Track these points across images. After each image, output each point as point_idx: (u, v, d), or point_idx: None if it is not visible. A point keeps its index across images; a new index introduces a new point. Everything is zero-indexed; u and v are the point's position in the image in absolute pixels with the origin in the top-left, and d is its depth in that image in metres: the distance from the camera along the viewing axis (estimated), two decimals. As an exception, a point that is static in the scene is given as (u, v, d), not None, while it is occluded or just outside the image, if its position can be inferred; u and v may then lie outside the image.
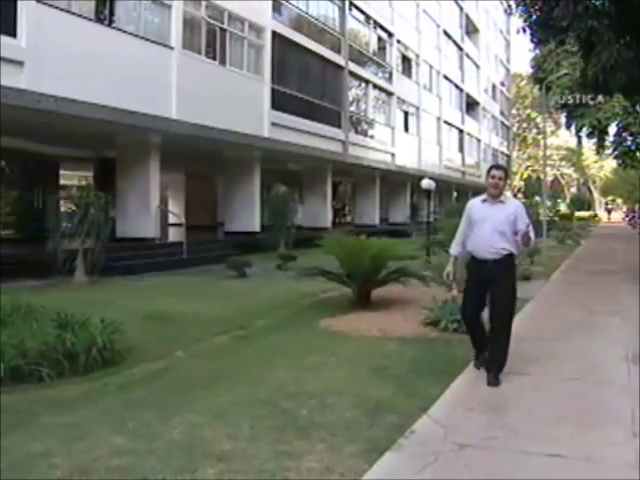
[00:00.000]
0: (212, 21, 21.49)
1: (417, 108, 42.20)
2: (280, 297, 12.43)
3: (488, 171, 6.63)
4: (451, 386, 6.15)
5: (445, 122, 47.64)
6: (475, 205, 6.68)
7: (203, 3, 20.84)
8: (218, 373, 6.81)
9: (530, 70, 39.06)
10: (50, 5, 15.02)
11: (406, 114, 41.06)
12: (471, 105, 55.04)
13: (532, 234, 6.43)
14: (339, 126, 30.84)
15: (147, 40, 18.19)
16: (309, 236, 22.03)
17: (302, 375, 6.58)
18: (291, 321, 10.18)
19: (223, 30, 22.03)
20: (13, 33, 14.07)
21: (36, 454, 4.53)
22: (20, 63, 14.12)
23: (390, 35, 38.00)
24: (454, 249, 6.88)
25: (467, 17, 53.42)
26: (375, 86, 36.14)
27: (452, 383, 6.25)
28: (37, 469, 4.29)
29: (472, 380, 6.44)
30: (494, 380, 6.18)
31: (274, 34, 24.88)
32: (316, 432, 4.93)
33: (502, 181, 6.49)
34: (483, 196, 6.63)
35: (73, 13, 15.83)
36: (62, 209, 16.27)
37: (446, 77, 48.04)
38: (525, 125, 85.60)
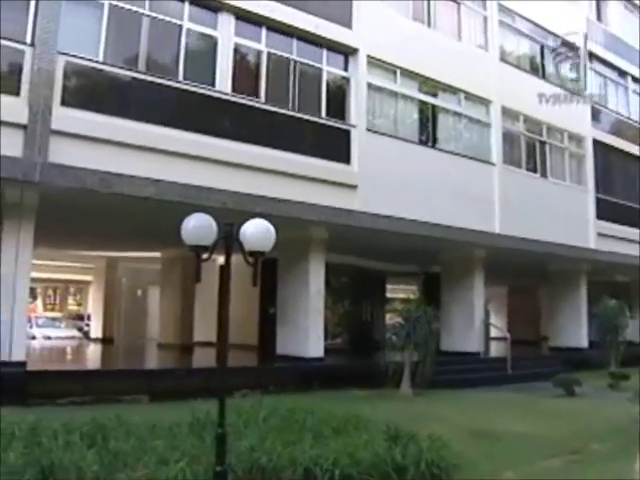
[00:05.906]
0: (531, 135, 21.55)
1: None
2: (614, 420, 11.47)
3: None
4: None
5: None
6: None
7: (521, 118, 21.05)
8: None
9: None
10: (378, 132, 16.40)
11: None
12: None
13: None
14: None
15: (468, 157, 18.74)
16: (642, 352, 20.45)
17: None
18: (629, 448, 9.31)
19: (542, 142, 21.93)
20: (347, 160, 15.55)
21: None
22: (354, 187, 15.43)
23: None
24: None
25: None
26: None
27: None
28: None
29: None
30: None
31: (595, 142, 24.19)
32: None
33: None
34: None
35: (397, 137, 17.00)
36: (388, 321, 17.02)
37: None
38: None
